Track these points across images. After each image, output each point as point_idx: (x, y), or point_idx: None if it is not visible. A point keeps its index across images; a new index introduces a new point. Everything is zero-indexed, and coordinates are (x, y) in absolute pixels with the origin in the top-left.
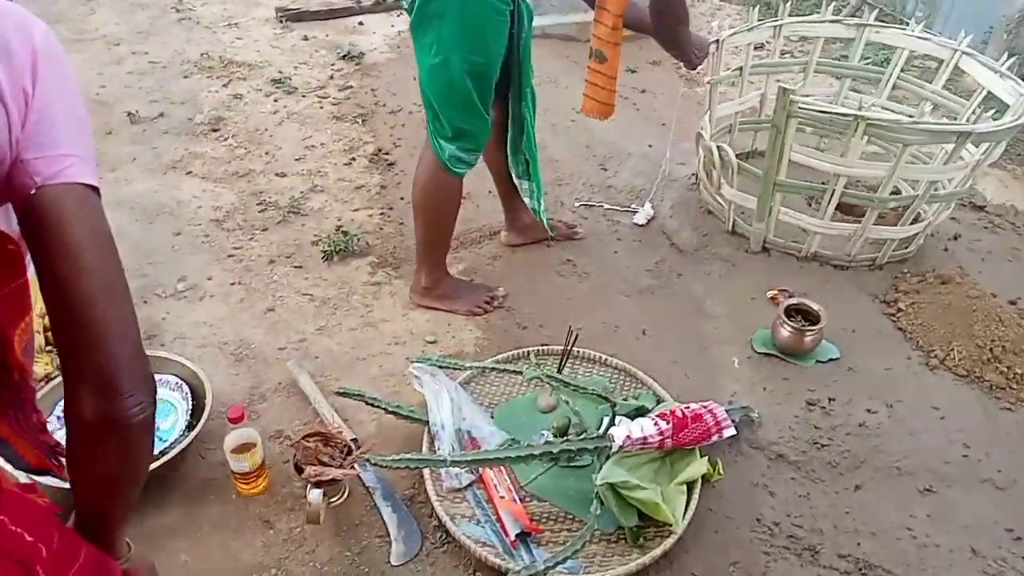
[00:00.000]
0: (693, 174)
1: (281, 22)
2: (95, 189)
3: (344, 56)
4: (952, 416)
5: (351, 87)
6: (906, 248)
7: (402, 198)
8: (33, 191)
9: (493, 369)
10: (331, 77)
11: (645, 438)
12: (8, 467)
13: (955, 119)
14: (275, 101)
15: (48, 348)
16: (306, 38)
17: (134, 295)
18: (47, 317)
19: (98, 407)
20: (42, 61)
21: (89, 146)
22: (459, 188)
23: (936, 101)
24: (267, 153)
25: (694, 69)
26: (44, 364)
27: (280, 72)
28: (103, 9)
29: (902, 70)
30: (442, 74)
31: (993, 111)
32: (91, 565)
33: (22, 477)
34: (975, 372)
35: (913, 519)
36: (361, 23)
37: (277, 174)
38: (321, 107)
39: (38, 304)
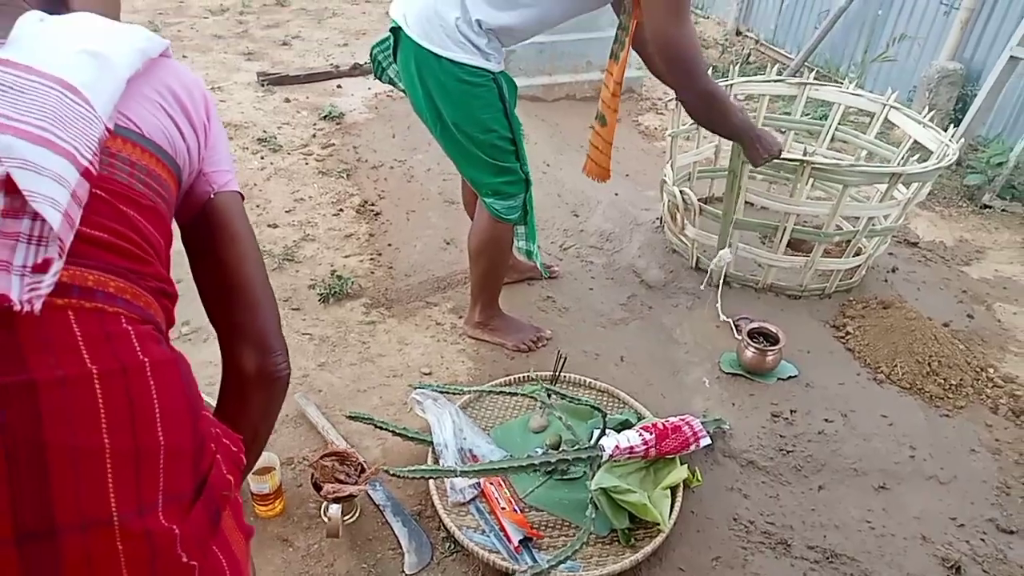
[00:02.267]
0: (658, 218)
1: (263, 85)
2: (242, 196)
3: (325, 116)
4: (899, 423)
5: (334, 144)
6: (851, 279)
7: (390, 244)
8: (211, 196)
9: (490, 392)
10: (314, 136)
11: (632, 447)
12: None
13: (887, 164)
14: (262, 159)
15: None
16: (288, 100)
17: None
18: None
19: (257, 361)
20: (210, 104)
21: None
22: (511, 234)
23: (870, 149)
24: (258, 206)
25: (756, 166)
26: None
27: (265, 132)
28: None
29: (839, 123)
30: (453, 146)
31: (918, 155)
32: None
33: None
34: (916, 384)
35: (871, 513)
36: (339, 86)
37: (269, 225)
38: (306, 163)
39: None
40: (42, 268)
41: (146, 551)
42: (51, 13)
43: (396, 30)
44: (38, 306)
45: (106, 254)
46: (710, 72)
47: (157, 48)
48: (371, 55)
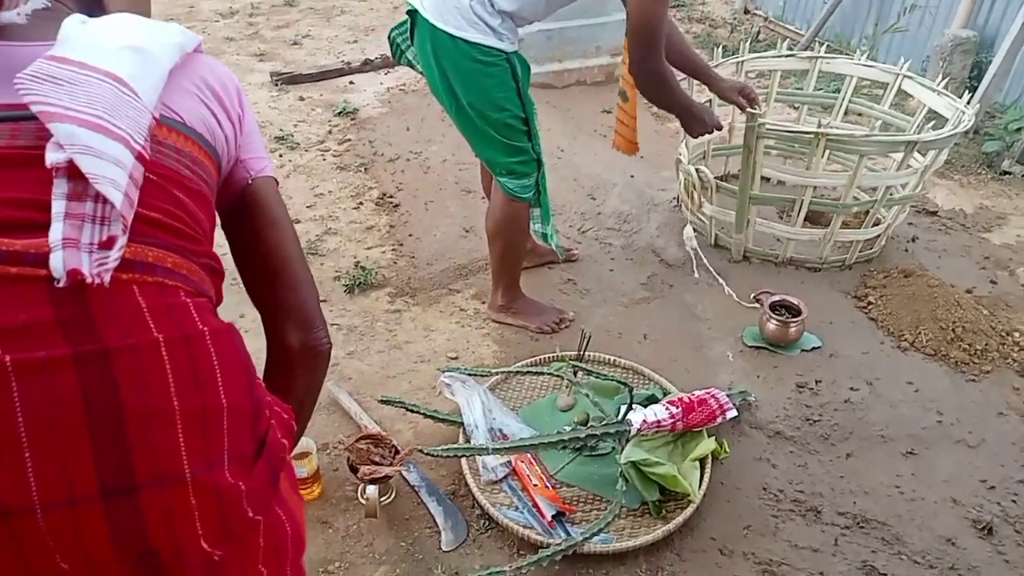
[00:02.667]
0: (675, 197)
1: (277, 85)
2: (276, 181)
3: (340, 113)
4: (925, 389)
5: (350, 140)
6: (871, 249)
7: (410, 235)
8: (249, 181)
9: (517, 373)
10: (330, 132)
11: (659, 421)
12: None
13: (902, 133)
14: (280, 156)
15: None
16: (302, 98)
17: None
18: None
19: (301, 337)
20: (243, 95)
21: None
22: (527, 213)
23: (885, 119)
24: None
25: (694, 137)
26: None
27: (281, 130)
28: None
29: (853, 95)
30: (468, 126)
31: (933, 123)
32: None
33: None
34: (941, 351)
35: (899, 478)
36: (352, 82)
37: (291, 221)
38: (324, 159)
39: None
40: (107, 245)
41: (216, 505)
42: (90, 15)
43: (413, 13)
44: (107, 279)
45: (162, 233)
46: (720, 50)
47: (192, 43)
48: (389, 38)
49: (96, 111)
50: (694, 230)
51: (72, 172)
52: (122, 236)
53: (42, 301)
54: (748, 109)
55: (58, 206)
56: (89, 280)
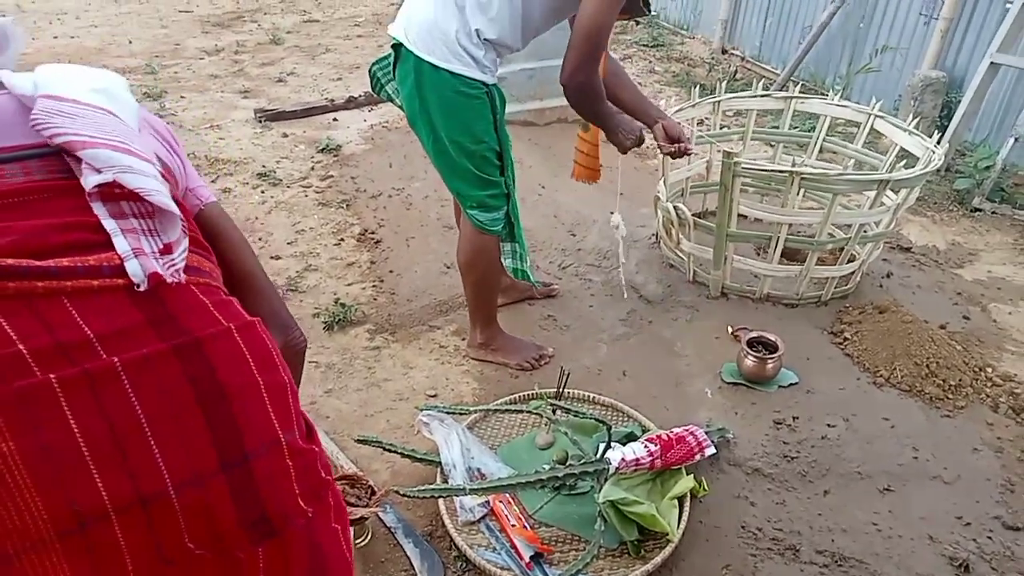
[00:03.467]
0: (653, 234)
1: (260, 122)
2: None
3: (322, 149)
4: (900, 425)
5: (332, 176)
6: (846, 285)
7: (391, 271)
8: (202, 207)
9: (496, 411)
10: (312, 168)
11: (638, 459)
12: None
13: (875, 171)
14: (262, 192)
15: None
16: (285, 135)
17: None
18: None
19: (282, 338)
20: (171, 134)
21: None
22: (496, 246)
23: (858, 158)
24: (260, 239)
25: (624, 152)
26: None
27: (264, 166)
28: None
29: (827, 134)
30: (442, 158)
31: (904, 162)
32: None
33: None
34: (916, 386)
35: (877, 515)
36: (335, 119)
37: (272, 257)
38: (306, 195)
39: None
40: (166, 251)
41: (303, 466)
42: None
43: (397, 47)
44: (182, 276)
45: (191, 243)
46: (697, 89)
47: (123, 86)
48: (370, 71)
49: (117, 137)
50: (670, 265)
51: (104, 195)
52: (184, 239)
53: (127, 306)
54: (671, 150)
55: (109, 224)
56: (169, 280)
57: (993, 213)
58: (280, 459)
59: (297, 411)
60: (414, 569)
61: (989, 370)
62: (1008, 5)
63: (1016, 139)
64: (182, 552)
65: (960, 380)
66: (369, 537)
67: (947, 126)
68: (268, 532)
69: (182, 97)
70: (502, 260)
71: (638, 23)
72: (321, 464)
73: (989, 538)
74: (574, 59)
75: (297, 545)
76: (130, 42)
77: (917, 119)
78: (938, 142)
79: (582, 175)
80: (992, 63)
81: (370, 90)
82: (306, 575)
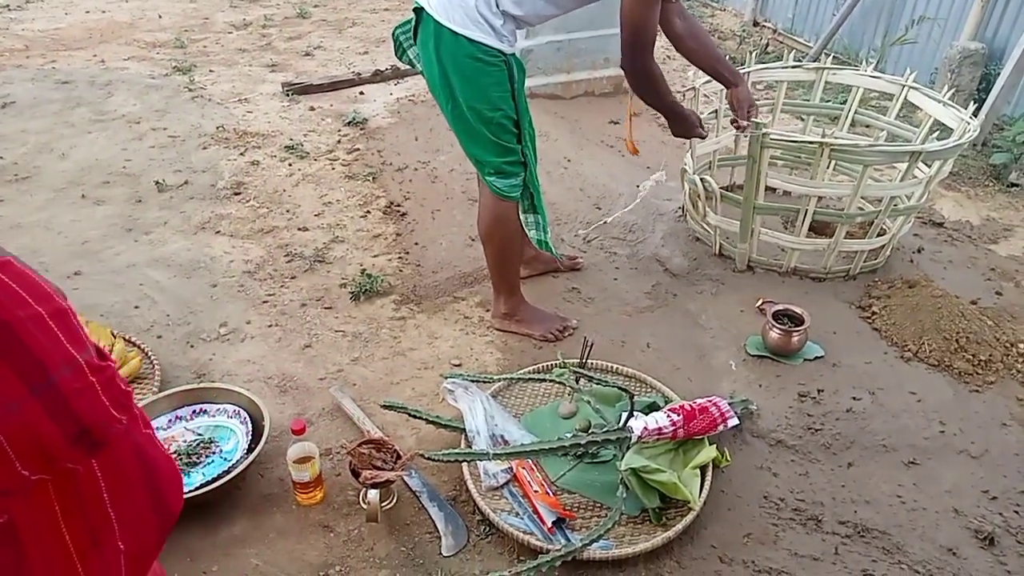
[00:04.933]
0: (679, 207)
1: (288, 95)
2: None
3: (349, 123)
4: (927, 399)
5: (359, 149)
6: (875, 259)
7: (416, 243)
8: None
9: (519, 380)
10: (339, 142)
11: (660, 429)
12: None
13: (907, 143)
14: (289, 165)
15: None
16: (312, 108)
17: (180, 341)
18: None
19: None
20: None
21: None
22: (516, 212)
23: (891, 130)
24: (288, 211)
25: (676, 135)
26: None
27: (291, 139)
28: (119, 92)
29: (860, 106)
30: (460, 123)
31: (938, 134)
32: None
33: None
34: (945, 361)
35: (901, 487)
36: (362, 92)
37: (300, 228)
38: (333, 168)
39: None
40: None
41: (104, 381)
42: None
43: (419, 11)
44: None
45: None
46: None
47: None
48: (393, 35)
49: None
50: (696, 238)
51: None
52: None
53: None
54: (740, 124)
55: None
56: None
57: None
58: (83, 376)
59: (85, 333)
60: (438, 532)
61: (1021, 346)
62: None
63: None
64: (18, 480)
65: (991, 355)
66: (395, 500)
67: (985, 99)
68: (93, 443)
69: (211, 71)
70: (526, 231)
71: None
72: (119, 378)
73: (1016, 512)
74: (625, 49)
75: (124, 451)
76: (160, 16)
77: (953, 91)
78: (974, 113)
79: (627, 146)
80: None
81: (397, 64)
82: (140, 475)
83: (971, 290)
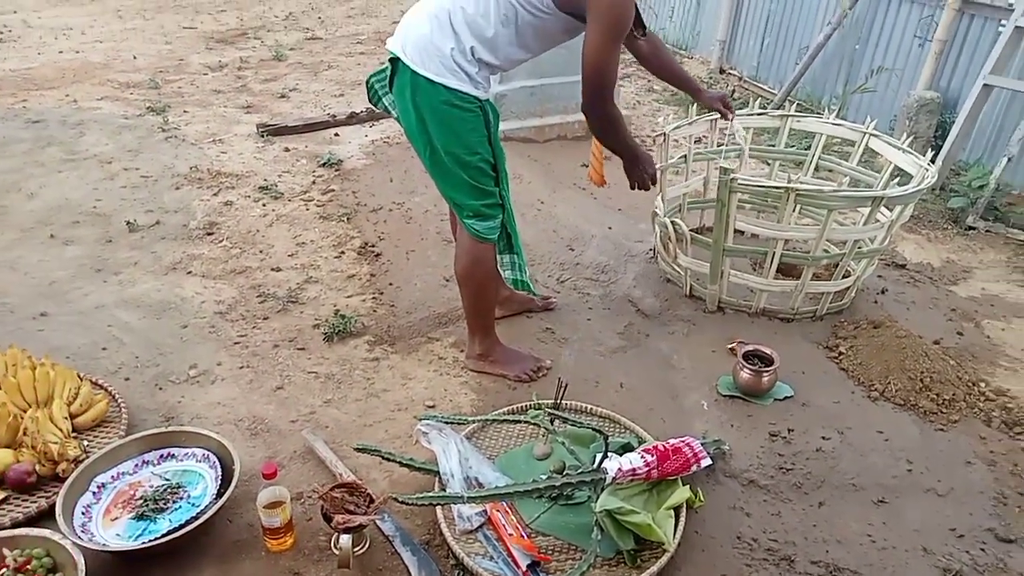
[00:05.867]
0: (651, 249)
1: (262, 136)
2: None
3: (324, 164)
4: (895, 438)
5: (333, 190)
6: (841, 300)
7: (391, 283)
8: None
9: (494, 421)
10: (313, 182)
11: (634, 469)
12: None
13: (869, 188)
14: (263, 206)
15: (75, 434)
16: (287, 149)
17: (148, 384)
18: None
19: None
20: None
21: None
22: (492, 255)
23: (853, 176)
24: (261, 251)
25: (633, 187)
26: (73, 448)
27: (266, 180)
28: (91, 132)
29: (823, 152)
30: (438, 168)
31: (898, 179)
32: None
33: None
34: (910, 400)
35: (871, 527)
36: (337, 134)
37: (272, 269)
38: (307, 209)
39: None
40: None
41: None
42: None
43: (394, 60)
44: None
45: None
46: (695, 107)
47: None
48: (367, 83)
49: None
50: (668, 279)
51: None
52: None
53: None
54: (727, 115)
55: None
56: None
57: (987, 231)
58: None
59: None
60: None
61: (982, 385)
62: (1000, 28)
63: (1009, 159)
64: None
65: (954, 394)
66: (367, 545)
67: (941, 146)
68: None
69: (185, 111)
70: (501, 272)
71: None
72: None
73: (982, 550)
74: (585, 91)
75: None
76: (135, 57)
77: (912, 138)
78: (932, 160)
79: (591, 177)
80: (985, 84)
81: (372, 107)
82: None
83: (934, 330)
